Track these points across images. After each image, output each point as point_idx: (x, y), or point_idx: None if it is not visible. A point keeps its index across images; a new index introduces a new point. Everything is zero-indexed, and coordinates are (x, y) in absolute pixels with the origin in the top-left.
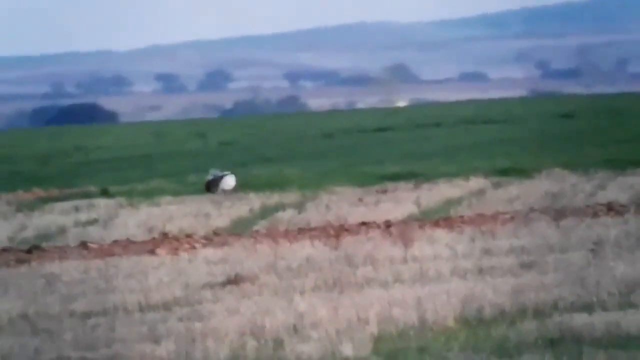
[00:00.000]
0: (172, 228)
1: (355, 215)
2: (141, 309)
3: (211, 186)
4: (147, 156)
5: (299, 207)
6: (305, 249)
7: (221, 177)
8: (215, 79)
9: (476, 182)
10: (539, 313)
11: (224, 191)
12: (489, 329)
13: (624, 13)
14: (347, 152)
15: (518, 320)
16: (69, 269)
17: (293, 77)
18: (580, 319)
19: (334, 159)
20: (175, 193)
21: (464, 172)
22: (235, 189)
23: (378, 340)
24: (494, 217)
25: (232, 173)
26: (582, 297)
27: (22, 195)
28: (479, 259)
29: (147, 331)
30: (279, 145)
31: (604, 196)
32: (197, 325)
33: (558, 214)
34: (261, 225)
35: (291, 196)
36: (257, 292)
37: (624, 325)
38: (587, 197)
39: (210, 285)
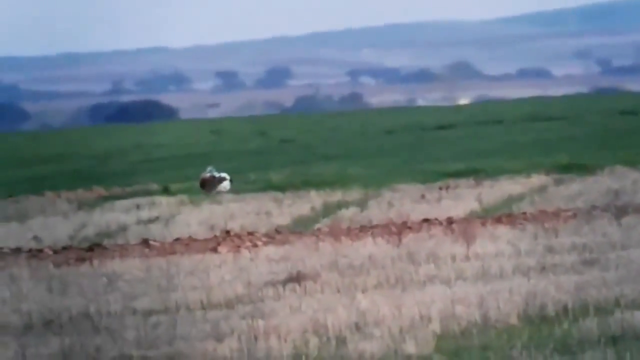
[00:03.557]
0: (234, 226)
1: (417, 212)
2: (203, 307)
3: (207, 185)
4: (207, 154)
5: (361, 204)
6: (367, 246)
7: (220, 180)
8: (276, 76)
9: (538, 179)
10: (601, 310)
11: (219, 193)
12: (551, 327)
13: None
14: (409, 149)
15: (580, 318)
16: (130, 267)
17: (354, 74)
18: None
19: (395, 156)
20: (236, 191)
21: (526, 169)
22: (229, 191)
23: (440, 338)
24: (556, 214)
25: (227, 175)
26: None
27: (82, 193)
28: (542, 256)
29: (209, 329)
30: (340, 142)
31: None
32: (260, 323)
33: (620, 211)
34: (323, 223)
35: (353, 194)
36: (319, 290)
37: None
38: None
39: (272, 283)
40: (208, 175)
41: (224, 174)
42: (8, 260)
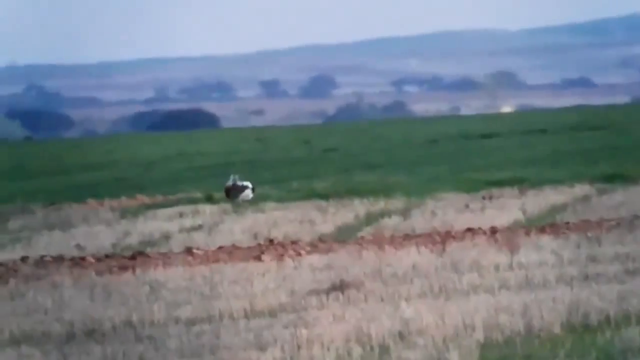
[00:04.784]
0: (278, 234)
1: (460, 221)
2: (246, 316)
3: (230, 193)
4: (251, 162)
5: (405, 213)
6: (410, 255)
7: (242, 188)
8: (319, 85)
9: (581, 189)
10: None
11: (242, 201)
12: (594, 336)
13: None
14: (452, 157)
15: (623, 327)
16: (174, 275)
17: (398, 82)
18: None
19: (438, 165)
20: (280, 199)
21: (569, 179)
22: (252, 200)
23: (484, 347)
24: (599, 223)
25: (250, 185)
26: None
27: (125, 201)
28: (585, 265)
29: (252, 338)
30: (384, 151)
31: None
32: (303, 332)
33: None
34: (366, 232)
35: (396, 202)
36: (363, 298)
37: None
38: None
39: (316, 292)
40: (231, 183)
41: (246, 183)
42: (50, 269)
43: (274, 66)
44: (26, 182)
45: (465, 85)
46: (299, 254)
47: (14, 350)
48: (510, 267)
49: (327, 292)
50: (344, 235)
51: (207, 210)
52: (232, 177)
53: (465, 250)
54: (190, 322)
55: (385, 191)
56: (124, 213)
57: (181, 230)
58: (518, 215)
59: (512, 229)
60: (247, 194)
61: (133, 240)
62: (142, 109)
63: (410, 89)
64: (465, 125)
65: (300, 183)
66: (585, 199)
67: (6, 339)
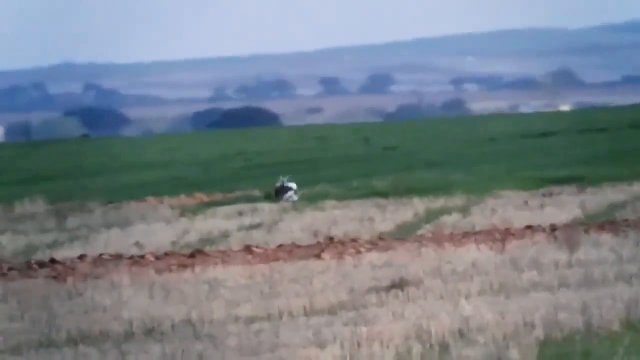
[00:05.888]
0: (337, 232)
1: (520, 219)
2: (306, 314)
3: (278, 193)
4: (310, 160)
5: (464, 211)
6: (470, 252)
7: (287, 189)
8: (378, 83)
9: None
10: None
11: (288, 201)
12: None
13: None
14: (511, 156)
15: None
16: (233, 273)
17: (457, 81)
18: None
19: (498, 163)
20: (340, 197)
21: (628, 177)
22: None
23: (543, 344)
24: None
25: (294, 187)
26: None
27: (184, 199)
28: None
29: (311, 336)
30: (443, 149)
31: None
32: (363, 329)
33: None
34: (426, 230)
35: (456, 200)
36: (422, 296)
37: None
38: None
39: (375, 290)
40: (280, 184)
41: (291, 184)
42: (109, 267)
43: (333, 64)
44: (84, 180)
45: (525, 83)
46: (359, 252)
47: (72, 350)
48: (570, 264)
49: (387, 289)
50: (403, 233)
51: (266, 208)
52: (280, 178)
53: (525, 248)
54: (250, 320)
55: (445, 189)
56: (183, 211)
57: (240, 229)
58: (577, 213)
59: (572, 227)
60: (290, 195)
61: (192, 238)
62: (201, 107)
63: (469, 87)
64: (524, 123)
65: (360, 181)
66: None
67: (64, 339)
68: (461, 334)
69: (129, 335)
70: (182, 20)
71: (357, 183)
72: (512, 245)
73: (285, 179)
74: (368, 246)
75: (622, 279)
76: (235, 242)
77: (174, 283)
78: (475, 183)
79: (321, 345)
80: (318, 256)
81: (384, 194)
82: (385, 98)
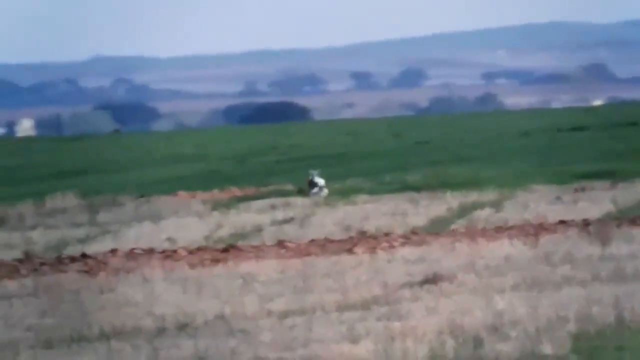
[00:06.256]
0: (370, 227)
1: (553, 213)
2: (339, 309)
3: (312, 188)
4: (342, 154)
5: (497, 205)
6: (503, 247)
7: (315, 184)
8: (410, 77)
9: None
10: None
11: (318, 195)
12: None
13: None
14: (544, 151)
15: None
16: (266, 268)
17: (489, 75)
18: None
19: (530, 158)
20: (372, 192)
21: None
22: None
23: (576, 338)
24: None
25: (322, 182)
26: None
27: (217, 194)
28: None
29: (345, 331)
30: (475, 144)
31: None
32: (396, 324)
33: None
34: (459, 224)
35: (489, 195)
36: (456, 291)
37: None
38: None
39: (409, 284)
40: (310, 179)
41: (319, 180)
42: (141, 262)
43: (365, 59)
44: (116, 174)
45: (557, 78)
46: (392, 247)
47: (104, 345)
48: (602, 259)
49: (420, 284)
50: (436, 228)
51: (299, 202)
52: (311, 172)
53: (558, 242)
54: (283, 315)
55: (478, 183)
56: (216, 205)
57: (273, 223)
58: (610, 208)
59: (604, 221)
60: (315, 190)
61: (225, 232)
62: (233, 102)
63: (501, 81)
64: (556, 118)
65: (392, 176)
66: None
67: (96, 334)
68: (494, 328)
69: (161, 331)
70: (214, 14)
71: (389, 177)
72: (545, 239)
73: (315, 173)
74: (401, 241)
75: None
76: (268, 237)
77: (207, 278)
78: (508, 178)
79: (354, 340)
80: (350, 251)
81: (416, 189)
82: (417, 92)
